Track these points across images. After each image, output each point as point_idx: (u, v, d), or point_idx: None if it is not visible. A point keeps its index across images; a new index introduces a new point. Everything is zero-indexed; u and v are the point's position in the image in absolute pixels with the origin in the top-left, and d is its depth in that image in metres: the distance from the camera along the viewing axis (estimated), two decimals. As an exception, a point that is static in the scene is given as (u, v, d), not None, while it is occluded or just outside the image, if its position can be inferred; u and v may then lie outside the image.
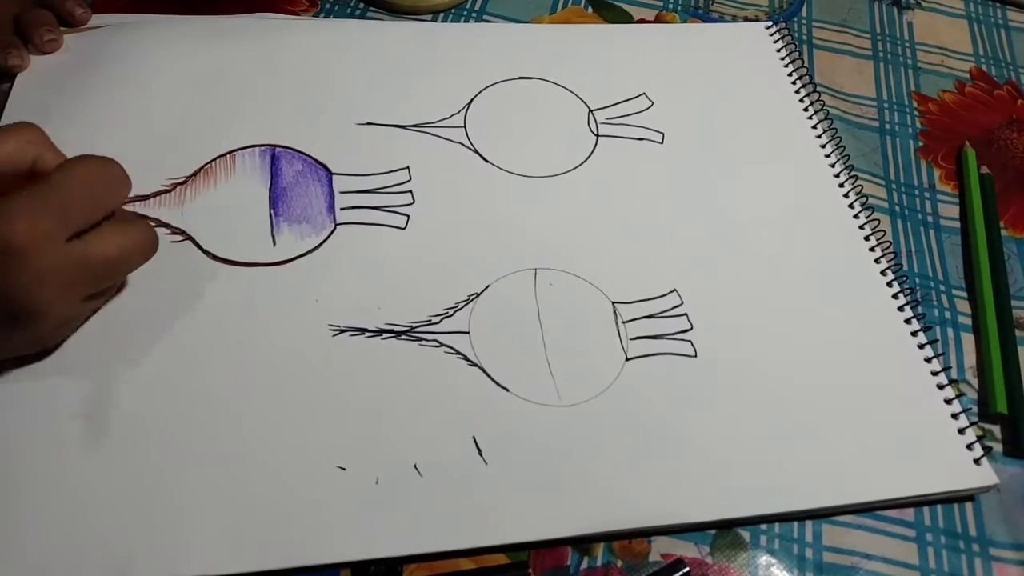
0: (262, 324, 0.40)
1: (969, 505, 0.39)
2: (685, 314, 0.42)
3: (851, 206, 0.48)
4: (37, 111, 0.45)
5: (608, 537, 0.36)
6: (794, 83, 0.54)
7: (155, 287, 0.40)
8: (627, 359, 0.41)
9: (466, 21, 0.55)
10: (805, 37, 0.58)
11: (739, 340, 0.42)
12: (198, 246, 0.42)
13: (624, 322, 0.42)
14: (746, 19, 0.59)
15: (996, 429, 0.42)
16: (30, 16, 0.48)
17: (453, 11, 0.55)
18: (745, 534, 0.37)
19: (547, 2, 0.57)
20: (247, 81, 0.48)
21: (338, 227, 0.43)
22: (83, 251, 0.34)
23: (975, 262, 0.47)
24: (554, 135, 0.49)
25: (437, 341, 0.40)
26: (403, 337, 0.40)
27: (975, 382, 0.43)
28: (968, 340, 0.45)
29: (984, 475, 0.39)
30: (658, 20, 0.58)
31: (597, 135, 0.50)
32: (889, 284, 0.45)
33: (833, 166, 0.50)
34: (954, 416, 0.40)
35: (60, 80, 0.47)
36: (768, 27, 0.57)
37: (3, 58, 0.47)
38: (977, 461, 0.39)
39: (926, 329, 0.43)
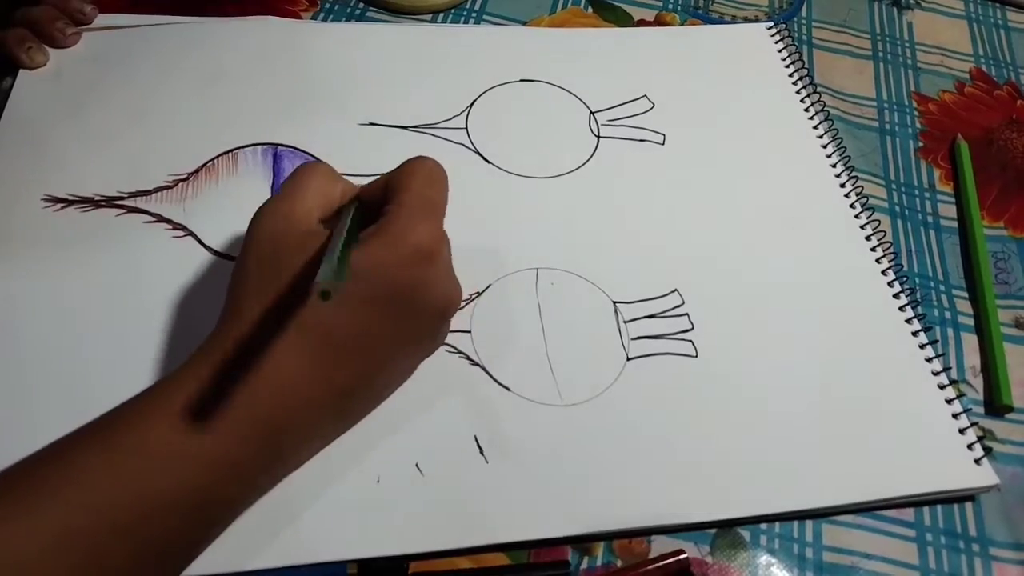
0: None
1: (969, 505, 0.39)
2: (686, 314, 0.43)
3: (852, 206, 0.48)
4: (39, 109, 0.45)
5: (608, 537, 0.36)
6: (795, 84, 0.54)
7: (157, 282, 0.40)
8: (628, 359, 0.41)
9: (466, 21, 0.55)
10: (805, 37, 0.58)
11: (740, 340, 0.42)
12: (199, 241, 0.42)
13: (625, 322, 0.42)
14: (746, 19, 0.59)
15: (997, 429, 0.42)
16: (39, 12, 0.47)
17: (453, 11, 0.55)
18: (745, 534, 0.37)
19: (547, 2, 0.57)
20: (249, 81, 0.48)
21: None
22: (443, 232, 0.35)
23: (973, 258, 0.47)
24: (555, 137, 0.49)
25: (439, 340, 0.40)
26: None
27: (976, 382, 0.43)
28: (968, 340, 0.45)
29: (985, 475, 0.39)
30: (658, 20, 0.58)
31: (598, 136, 0.50)
32: (890, 284, 0.45)
33: (834, 166, 0.50)
34: (955, 416, 0.40)
35: (62, 78, 0.47)
36: (769, 27, 0.57)
37: (26, 56, 0.46)
38: (978, 461, 0.39)
39: (927, 329, 0.44)
